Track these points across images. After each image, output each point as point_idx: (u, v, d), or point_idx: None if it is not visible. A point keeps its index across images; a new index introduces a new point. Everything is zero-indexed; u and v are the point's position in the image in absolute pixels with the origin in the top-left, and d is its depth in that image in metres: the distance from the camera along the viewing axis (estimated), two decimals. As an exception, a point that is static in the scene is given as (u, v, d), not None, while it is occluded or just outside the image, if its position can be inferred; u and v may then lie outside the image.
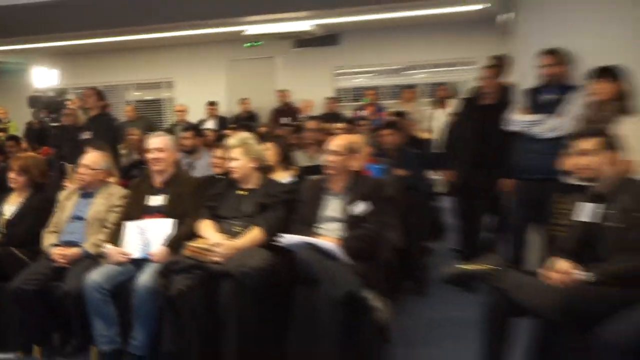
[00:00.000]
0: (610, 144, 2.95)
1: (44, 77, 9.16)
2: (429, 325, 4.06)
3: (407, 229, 4.48)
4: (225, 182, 3.77)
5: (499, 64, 5.10)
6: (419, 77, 10.85)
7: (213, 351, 3.29)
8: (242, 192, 3.63)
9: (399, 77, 10.94)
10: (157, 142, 3.75)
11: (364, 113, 9.12)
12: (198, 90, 10.85)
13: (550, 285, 2.74)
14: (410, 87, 9.98)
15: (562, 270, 2.74)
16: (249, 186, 3.64)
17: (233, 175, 3.66)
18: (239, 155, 3.59)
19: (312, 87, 10.60)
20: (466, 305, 2.94)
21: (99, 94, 6.66)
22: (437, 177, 5.69)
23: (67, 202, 3.96)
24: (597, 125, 3.44)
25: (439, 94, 8.44)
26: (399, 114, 6.78)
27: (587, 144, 2.92)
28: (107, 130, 6.27)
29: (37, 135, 8.97)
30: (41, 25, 7.07)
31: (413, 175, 5.07)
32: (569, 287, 2.68)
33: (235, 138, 3.71)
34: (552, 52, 4.25)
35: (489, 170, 4.69)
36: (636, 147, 3.52)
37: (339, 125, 6.44)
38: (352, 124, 6.79)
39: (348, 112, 9.80)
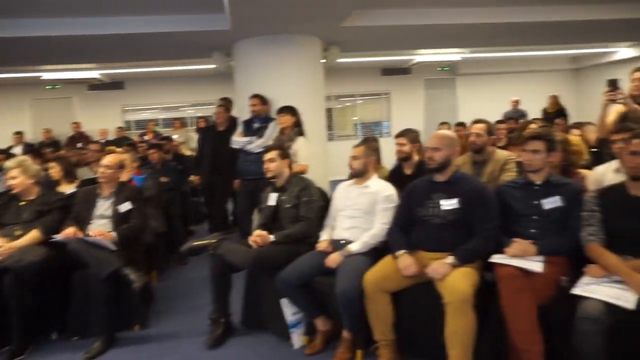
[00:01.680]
0: (285, 154, 3.14)
1: None
2: (188, 283, 3.96)
3: (170, 218, 4.33)
4: (8, 196, 3.21)
5: (227, 104, 5.14)
6: (186, 112, 10.52)
7: (2, 332, 2.80)
8: (22, 203, 3.11)
9: (172, 112, 10.47)
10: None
11: (147, 137, 8.56)
12: (5, 122, 9.27)
13: (250, 248, 2.83)
14: (180, 119, 9.66)
15: (258, 236, 2.88)
16: (29, 197, 3.14)
17: (14, 190, 3.14)
18: (17, 174, 3.09)
19: (106, 119, 9.61)
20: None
21: None
22: (194, 180, 5.54)
23: None
24: (280, 143, 3.64)
25: (199, 124, 8.28)
26: (166, 138, 6.49)
27: (272, 154, 3.07)
28: None
29: None
30: None
31: (173, 180, 4.91)
32: (261, 248, 2.81)
33: (13, 160, 3.17)
34: (256, 96, 4.42)
35: (224, 175, 4.68)
36: (304, 156, 3.85)
37: (122, 148, 5.94)
38: (134, 146, 6.30)
39: (135, 137, 9.11)
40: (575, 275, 2.18)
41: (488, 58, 9.65)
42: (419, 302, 2.40)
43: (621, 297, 1.91)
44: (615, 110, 3.19)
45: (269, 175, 3.08)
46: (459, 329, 2.09)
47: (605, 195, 2.24)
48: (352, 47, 5.71)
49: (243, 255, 2.76)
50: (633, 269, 1.99)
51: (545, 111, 8.78)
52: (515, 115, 8.17)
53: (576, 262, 2.26)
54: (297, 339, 2.75)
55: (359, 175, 2.81)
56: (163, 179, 4.68)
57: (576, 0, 4.91)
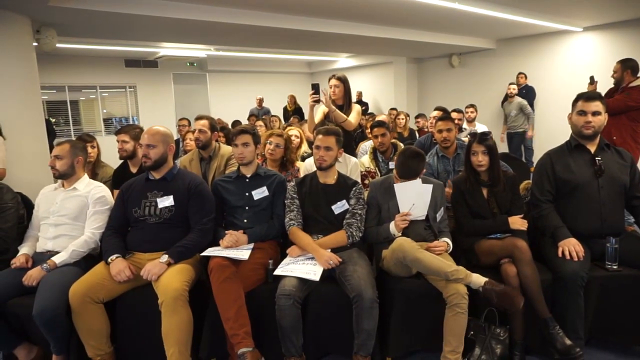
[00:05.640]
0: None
1: None
2: None
3: None
4: None
5: None
6: None
7: None
8: None
9: None
10: None
11: None
12: None
13: None
14: None
15: None
16: None
17: None
18: None
19: None
20: None
21: None
22: None
23: None
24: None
25: None
26: None
27: None
28: None
29: None
30: None
31: None
32: None
33: None
34: None
35: None
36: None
37: None
38: None
39: None
40: (283, 257, 2.47)
41: (234, 57, 10.08)
42: (137, 306, 2.31)
43: (311, 271, 2.24)
44: (321, 110, 3.72)
45: None
46: (173, 327, 2.09)
47: (301, 184, 2.59)
48: (73, 32, 5.08)
49: None
50: (320, 246, 2.37)
51: (285, 109, 9.74)
52: (259, 113, 8.81)
53: (285, 246, 2.56)
54: (-7, 379, 2.31)
55: (64, 177, 2.52)
56: None
57: (308, 14, 5.57)
